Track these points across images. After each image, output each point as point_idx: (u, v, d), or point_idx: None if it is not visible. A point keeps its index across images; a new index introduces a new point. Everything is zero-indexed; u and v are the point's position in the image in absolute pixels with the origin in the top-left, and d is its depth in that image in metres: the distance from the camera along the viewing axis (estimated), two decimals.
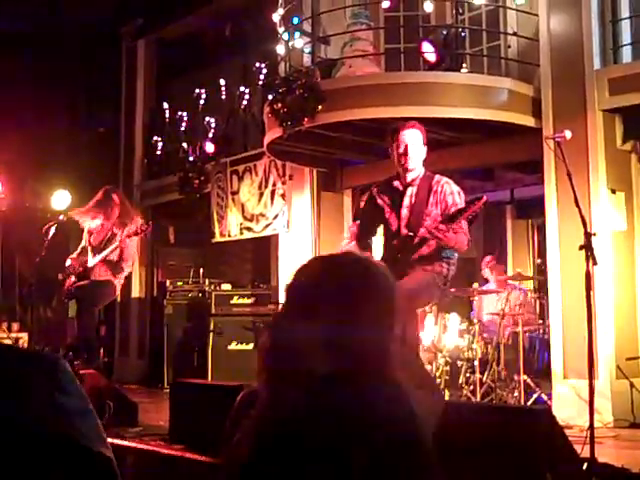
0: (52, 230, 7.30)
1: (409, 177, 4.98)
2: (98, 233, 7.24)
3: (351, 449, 1.50)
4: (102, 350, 8.05)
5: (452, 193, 4.90)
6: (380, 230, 5.02)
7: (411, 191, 4.97)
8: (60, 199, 9.98)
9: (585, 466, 3.55)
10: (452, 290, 7.00)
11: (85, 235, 7.38)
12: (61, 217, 7.64)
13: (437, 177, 4.99)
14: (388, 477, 1.50)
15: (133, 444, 4.99)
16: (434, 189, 4.91)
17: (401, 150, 4.91)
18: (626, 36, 6.79)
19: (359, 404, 1.56)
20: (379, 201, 5.06)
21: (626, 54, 6.79)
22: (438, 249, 4.82)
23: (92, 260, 7.15)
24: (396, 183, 5.03)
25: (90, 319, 7.25)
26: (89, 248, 7.26)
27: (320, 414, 1.55)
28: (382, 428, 1.53)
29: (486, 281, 8.24)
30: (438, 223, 4.67)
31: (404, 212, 4.94)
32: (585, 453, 3.68)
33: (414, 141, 4.91)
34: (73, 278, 7.27)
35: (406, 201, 4.96)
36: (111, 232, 7.15)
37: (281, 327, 1.69)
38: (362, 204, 5.21)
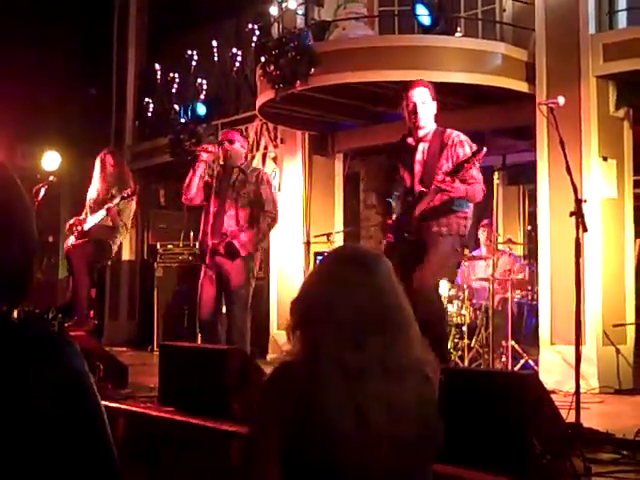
0: (42, 191, 7.26)
1: (421, 133, 5.00)
2: (97, 196, 7.32)
3: None
4: (92, 312, 8.03)
5: (462, 145, 4.90)
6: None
7: (423, 147, 4.98)
8: (50, 160, 9.90)
9: (570, 431, 3.58)
10: None
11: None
12: (51, 178, 7.60)
13: (448, 131, 5.01)
14: None
15: (123, 406, 5.02)
16: (446, 142, 4.93)
17: (410, 109, 4.95)
18: (622, 1, 6.74)
19: None
20: (394, 159, 5.11)
21: (621, 19, 6.74)
22: (448, 201, 4.83)
23: (88, 223, 7.22)
24: (409, 139, 5.05)
25: (84, 278, 7.26)
26: (89, 210, 7.34)
27: None
28: None
29: (477, 245, 8.21)
30: (444, 176, 4.67)
31: (417, 168, 4.96)
32: (571, 418, 3.72)
33: (423, 99, 4.94)
34: (72, 238, 7.30)
35: (418, 157, 4.98)
36: (110, 194, 7.20)
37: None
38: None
